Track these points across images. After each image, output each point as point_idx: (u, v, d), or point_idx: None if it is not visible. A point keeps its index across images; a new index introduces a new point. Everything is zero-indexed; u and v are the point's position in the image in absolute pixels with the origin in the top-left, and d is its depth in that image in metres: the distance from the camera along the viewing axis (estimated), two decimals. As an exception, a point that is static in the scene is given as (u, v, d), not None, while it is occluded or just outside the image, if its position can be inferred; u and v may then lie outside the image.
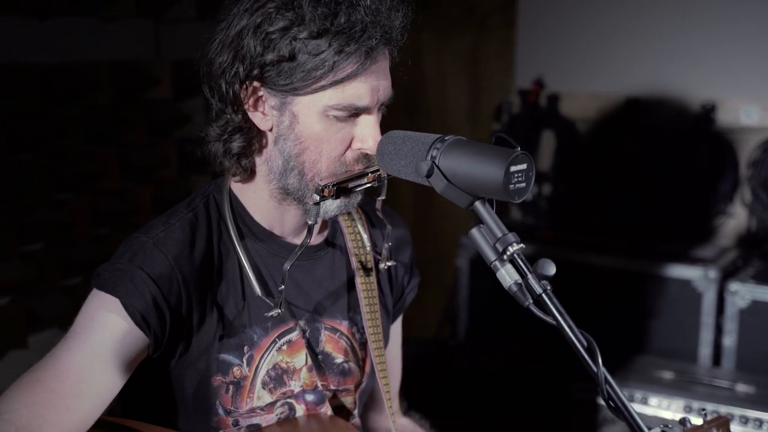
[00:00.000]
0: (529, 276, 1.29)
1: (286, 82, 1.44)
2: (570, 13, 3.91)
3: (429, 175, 1.35)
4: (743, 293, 3.11)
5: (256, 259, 1.58)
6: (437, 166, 1.35)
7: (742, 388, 2.91)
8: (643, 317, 3.32)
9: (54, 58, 2.86)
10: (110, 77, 2.98)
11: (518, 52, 4.03)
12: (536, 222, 3.87)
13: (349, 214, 1.73)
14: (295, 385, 1.63)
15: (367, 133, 1.48)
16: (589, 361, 1.28)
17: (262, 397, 1.60)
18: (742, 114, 3.53)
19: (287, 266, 1.51)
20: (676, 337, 3.26)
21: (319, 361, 1.66)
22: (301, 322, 1.63)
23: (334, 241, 1.71)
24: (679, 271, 3.25)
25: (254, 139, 1.52)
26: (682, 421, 1.52)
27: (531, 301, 1.28)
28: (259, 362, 1.58)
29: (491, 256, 1.31)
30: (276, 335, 1.60)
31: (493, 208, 1.34)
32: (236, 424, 1.59)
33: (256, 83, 1.47)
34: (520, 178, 1.29)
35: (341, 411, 1.72)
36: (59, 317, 2.84)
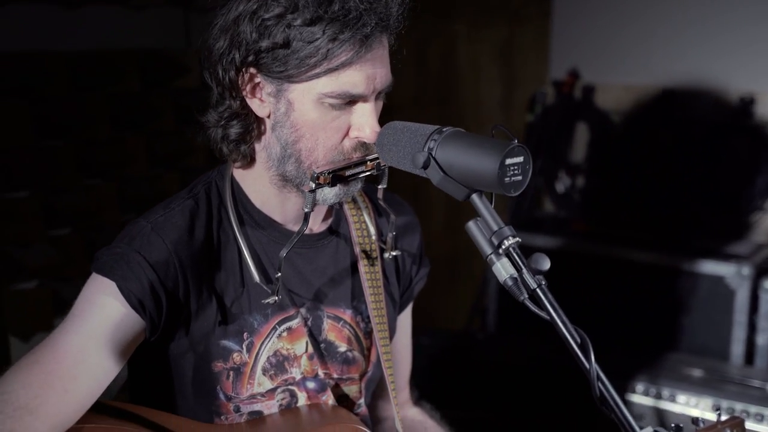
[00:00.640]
0: (524, 270, 1.27)
1: (281, 69, 1.43)
2: (606, 3, 3.84)
3: (425, 166, 1.34)
4: (778, 291, 3.03)
5: (256, 246, 1.58)
6: (434, 158, 1.33)
7: (774, 388, 2.84)
8: (674, 313, 3.25)
9: (83, 46, 2.90)
10: (139, 65, 3.01)
11: (553, 43, 3.98)
12: (569, 215, 3.82)
13: (354, 202, 1.72)
14: (296, 372, 1.63)
15: (363, 121, 1.47)
16: (582, 358, 1.26)
17: (262, 383, 1.60)
18: (782, 107, 3.44)
19: (283, 253, 1.51)
20: (708, 335, 3.19)
21: (321, 350, 1.66)
22: (303, 310, 1.63)
23: (338, 230, 1.70)
24: (712, 267, 3.18)
25: (252, 125, 1.52)
26: (695, 421, 1.49)
27: (526, 295, 1.27)
28: (259, 349, 1.58)
29: (487, 249, 1.30)
30: (276, 322, 1.60)
31: (491, 202, 1.32)
32: (237, 410, 1.59)
33: (252, 70, 1.46)
34: (516, 171, 1.27)
35: (345, 400, 1.72)
36: (86, 301, 2.87)
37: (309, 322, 1.64)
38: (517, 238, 1.28)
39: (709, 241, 3.41)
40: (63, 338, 1.43)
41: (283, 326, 1.61)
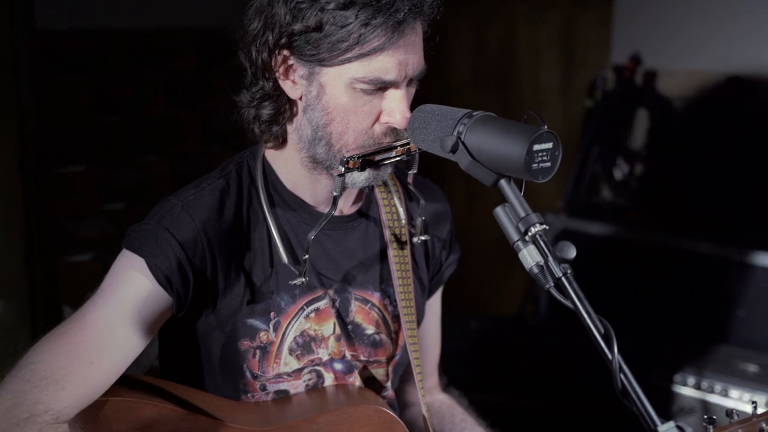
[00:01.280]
0: (550, 258, 1.25)
1: (314, 53, 1.43)
2: (670, -13, 3.75)
3: (454, 150, 1.33)
4: (837, 285, 2.94)
5: (286, 227, 1.59)
6: (462, 142, 1.32)
7: (832, 384, 2.76)
8: (728, 306, 3.18)
9: (141, 24, 2.94)
10: (195, 44, 3.05)
11: (615, 27, 3.90)
12: (626, 202, 3.75)
13: (385, 185, 1.71)
14: (323, 353, 1.64)
15: (394, 107, 1.46)
16: (605, 348, 1.24)
17: (289, 363, 1.61)
18: None
19: (311, 235, 1.52)
20: (763, 329, 3.11)
21: (349, 331, 1.66)
22: (331, 292, 1.64)
23: (368, 213, 1.70)
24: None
25: (284, 106, 1.53)
26: (729, 413, 1.47)
27: (552, 284, 1.25)
28: (286, 328, 1.60)
29: (514, 236, 1.29)
30: (304, 302, 1.61)
31: (520, 188, 1.30)
32: (264, 388, 1.61)
33: (285, 52, 1.47)
34: (544, 158, 1.25)
35: (372, 382, 1.72)
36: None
37: (337, 304, 1.65)
38: (544, 225, 1.26)
39: (766, 233, 3.32)
40: (91, 311, 1.46)
41: (311, 307, 1.62)
